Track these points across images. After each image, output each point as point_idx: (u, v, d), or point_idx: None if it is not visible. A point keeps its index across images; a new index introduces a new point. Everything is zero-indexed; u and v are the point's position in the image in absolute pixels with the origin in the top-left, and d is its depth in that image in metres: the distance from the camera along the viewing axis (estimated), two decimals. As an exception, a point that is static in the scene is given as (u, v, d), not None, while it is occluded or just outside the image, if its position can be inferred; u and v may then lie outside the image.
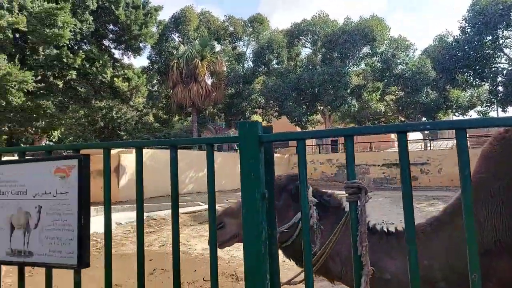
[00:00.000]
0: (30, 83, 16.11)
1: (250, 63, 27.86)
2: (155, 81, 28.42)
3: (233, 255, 6.48)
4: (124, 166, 14.97)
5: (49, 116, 20.72)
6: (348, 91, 23.90)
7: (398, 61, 24.47)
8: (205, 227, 10.18)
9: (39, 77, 17.20)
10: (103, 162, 1.45)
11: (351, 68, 25.52)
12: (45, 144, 24.12)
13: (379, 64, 24.73)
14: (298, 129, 25.85)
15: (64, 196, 1.46)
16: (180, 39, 26.90)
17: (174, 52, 25.54)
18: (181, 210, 11.96)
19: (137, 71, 23.13)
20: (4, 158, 1.73)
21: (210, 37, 26.62)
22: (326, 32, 24.90)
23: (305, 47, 27.58)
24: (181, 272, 5.49)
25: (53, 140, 27.22)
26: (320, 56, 25.98)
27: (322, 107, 25.92)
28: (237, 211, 1.87)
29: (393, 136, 30.69)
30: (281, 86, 23.82)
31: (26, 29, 14.97)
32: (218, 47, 28.01)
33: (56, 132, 25.72)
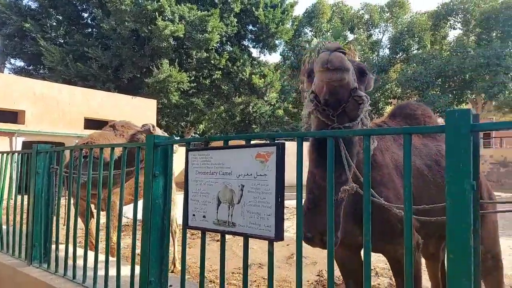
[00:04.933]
0: (185, 83, 18.71)
1: (386, 50, 26.18)
2: (286, 76, 29.41)
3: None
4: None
5: (198, 111, 23.70)
6: (510, 75, 20.13)
7: None
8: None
9: (192, 78, 19.80)
10: (297, 149, 1.61)
11: (516, 48, 21.38)
12: (192, 136, 27.68)
13: (557, 40, 20.05)
14: (442, 121, 23.08)
15: (263, 178, 1.68)
16: (312, 33, 27.08)
17: (307, 46, 25.86)
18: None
19: (271, 68, 24.36)
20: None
21: (343, 27, 25.99)
22: (483, 9, 21.40)
23: (454, 28, 24.34)
24: (319, 260, 5.56)
25: (198, 132, 30.82)
26: (473, 37, 22.55)
27: (473, 95, 22.53)
28: None
29: None
30: (423, 73, 21.60)
31: (183, 36, 17.36)
32: (351, 37, 27.17)
33: (201, 125, 29.16)
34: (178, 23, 16.95)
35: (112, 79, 19.54)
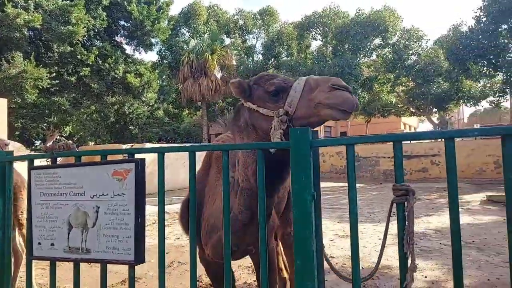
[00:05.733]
0: (45, 80, 16.40)
1: (260, 56, 27.80)
2: (165, 76, 28.62)
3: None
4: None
5: (62, 112, 21.13)
6: (359, 83, 23.74)
7: (410, 52, 24.18)
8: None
9: (54, 74, 17.50)
10: (158, 165, 1.54)
11: (362, 60, 25.29)
12: (57, 139, 24.60)
13: (390, 55, 24.45)
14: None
15: (121, 197, 1.57)
16: (190, 33, 26.95)
17: (185, 46, 25.61)
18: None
19: (148, 67, 23.31)
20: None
21: (219, 30, 26.60)
22: (337, 24, 24.67)
23: (316, 39, 27.38)
24: (199, 265, 5.59)
25: (65, 135, 27.66)
26: (330, 48, 25.78)
27: (332, 100, 25.77)
28: None
29: (402, 127, 29.89)
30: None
31: (41, 27, 15.17)
32: (227, 41, 28.00)
33: (68, 127, 26.15)
34: (34, 12, 14.70)
35: None
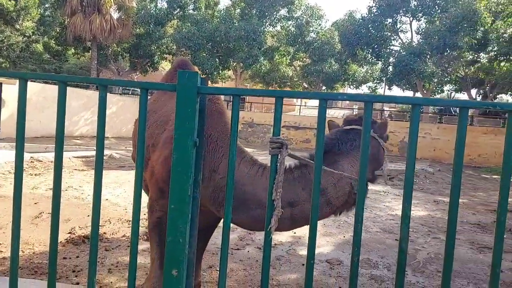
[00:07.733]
0: None
1: (164, 3, 25.85)
2: (48, 4, 24.53)
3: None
4: (5, 98, 13.00)
5: None
6: (262, 50, 24.22)
7: (311, 29, 25.49)
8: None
9: None
10: (18, 94, 1.33)
11: (267, 28, 25.71)
12: None
13: (293, 28, 25.40)
14: (209, 82, 25.45)
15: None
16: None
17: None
18: (72, 154, 10.96)
19: (26, -12, 19.55)
20: None
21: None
22: (247, -15, 24.39)
23: (225, -3, 26.67)
24: (72, 217, 5.30)
25: None
26: (238, 10, 25.44)
27: (234, 64, 25.87)
28: None
29: (295, 100, 31.91)
30: (196, 34, 22.84)
31: None
32: (129, -20, 25.17)
33: None
34: None
35: None
